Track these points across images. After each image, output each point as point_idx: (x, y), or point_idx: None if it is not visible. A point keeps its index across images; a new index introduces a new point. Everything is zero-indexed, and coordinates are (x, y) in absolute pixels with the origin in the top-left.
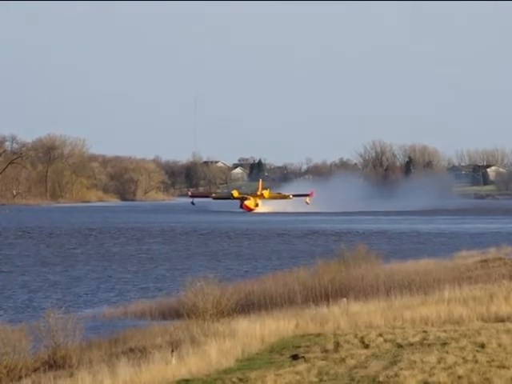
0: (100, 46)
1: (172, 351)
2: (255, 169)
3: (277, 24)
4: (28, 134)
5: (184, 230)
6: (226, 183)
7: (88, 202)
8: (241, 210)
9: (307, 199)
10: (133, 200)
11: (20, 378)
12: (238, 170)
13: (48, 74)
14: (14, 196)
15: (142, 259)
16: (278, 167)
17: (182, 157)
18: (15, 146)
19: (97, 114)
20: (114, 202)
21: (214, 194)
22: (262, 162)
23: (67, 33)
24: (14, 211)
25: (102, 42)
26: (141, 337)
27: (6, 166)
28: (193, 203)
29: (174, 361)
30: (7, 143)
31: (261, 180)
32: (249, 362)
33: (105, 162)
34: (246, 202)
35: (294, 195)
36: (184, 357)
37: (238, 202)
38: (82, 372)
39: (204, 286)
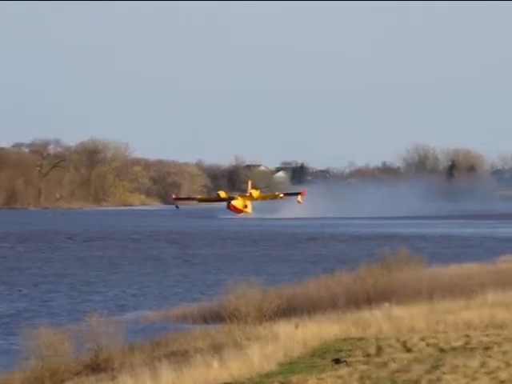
0: (143, 49)
1: (212, 356)
2: (297, 172)
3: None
4: (71, 137)
5: (223, 235)
6: (269, 187)
7: (131, 205)
8: (229, 211)
9: (299, 198)
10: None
11: (63, 380)
12: (281, 174)
13: (92, 78)
14: (57, 199)
15: (184, 263)
16: (321, 171)
17: (225, 160)
18: (59, 149)
19: (140, 118)
20: (156, 205)
21: (199, 196)
22: (305, 165)
23: (113, 35)
24: (57, 215)
25: (143, 44)
26: (183, 340)
27: (50, 170)
28: (177, 207)
29: (215, 364)
30: (51, 147)
31: (249, 180)
32: (291, 366)
33: (147, 165)
34: (234, 203)
35: (285, 194)
36: (226, 360)
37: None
38: (123, 375)
39: (246, 289)
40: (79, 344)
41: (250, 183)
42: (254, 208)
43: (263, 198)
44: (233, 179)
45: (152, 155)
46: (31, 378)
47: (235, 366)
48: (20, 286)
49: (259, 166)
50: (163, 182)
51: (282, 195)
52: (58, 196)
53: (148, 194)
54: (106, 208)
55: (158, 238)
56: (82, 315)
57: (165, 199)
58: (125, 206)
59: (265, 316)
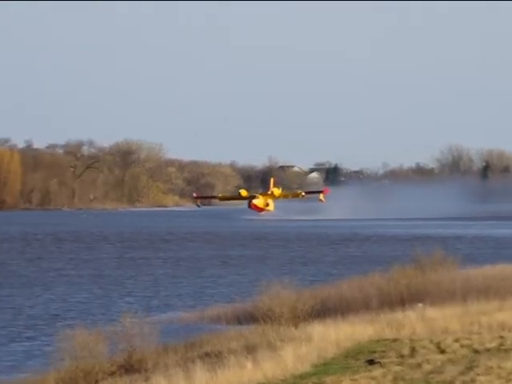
0: (186, 52)
1: (246, 356)
2: (331, 173)
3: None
4: (105, 138)
5: (257, 235)
6: (302, 188)
7: (164, 206)
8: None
9: (321, 196)
10: (209, 205)
11: (96, 381)
12: (314, 175)
13: (129, 79)
14: (91, 200)
15: (218, 264)
16: (355, 172)
17: (259, 161)
18: (92, 150)
19: (174, 119)
20: (190, 206)
21: (220, 195)
22: (338, 166)
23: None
24: (91, 216)
25: (181, 46)
26: (216, 341)
27: (84, 171)
28: (198, 205)
29: (249, 365)
30: (84, 148)
31: (272, 178)
32: (324, 367)
33: (181, 166)
34: (255, 201)
35: (306, 192)
36: (259, 361)
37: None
38: (157, 376)
39: (280, 290)
40: (113, 345)
41: (272, 181)
42: (289, 209)
43: (285, 197)
44: (266, 180)
45: (186, 156)
46: (65, 379)
47: (269, 367)
48: (55, 287)
49: (293, 166)
50: (197, 182)
51: (303, 194)
52: (91, 197)
53: (182, 195)
54: (139, 209)
55: (191, 239)
56: (116, 316)
57: (200, 201)
58: (158, 207)
59: (299, 317)
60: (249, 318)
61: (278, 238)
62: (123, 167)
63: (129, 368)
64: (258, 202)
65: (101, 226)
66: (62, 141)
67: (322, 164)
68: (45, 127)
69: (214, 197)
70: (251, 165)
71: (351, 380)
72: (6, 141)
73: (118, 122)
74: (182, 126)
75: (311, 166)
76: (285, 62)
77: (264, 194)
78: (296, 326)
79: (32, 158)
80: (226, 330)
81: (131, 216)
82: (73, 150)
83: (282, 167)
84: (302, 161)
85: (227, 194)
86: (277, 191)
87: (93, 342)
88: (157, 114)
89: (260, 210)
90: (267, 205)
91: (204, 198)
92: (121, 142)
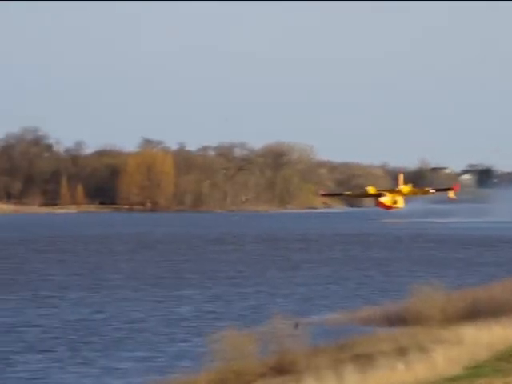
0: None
1: (397, 358)
2: (484, 175)
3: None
4: (257, 140)
5: (404, 236)
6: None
7: (314, 208)
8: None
9: (451, 194)
10: (360, 206)
11: (248, 382)
12: (467, 177)
13: (281, 81)
14: (243, 202)
15: (367, 265)
16: (508, 173)
17: (410, 163)
18: (244, 152)
19: (325, 120)
20: (340, 208)
21: (347, 192)
22: (491, 168)
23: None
24: (243, 217)
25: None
26: (367, 343)
27: (236, 173)
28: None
29: (400, 367)
30: (236, 150)
31: (401, 174)
32: (476, 370)
33: (332, 168)
34: (382, 199)
35: (436, 190)
36: (410, 363)
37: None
38: (308, 378)
39: (430, 292)
40: (264, 346)
41: (401, 178)
42: (459, 211)
43: (413, 194)
44: (417, 182)
45: (337, 158)
46: (216, 380)
47: (420, 369)
48: (205, 288)
49: (444, 168)
50: (348, 184)
51: (432, 191)
52: (243, 199)
53: (332, 197)
54: (290, 211)
55: (339, 240)
56: (267, 317)
57: (349, 202)
58: (309, 208)
59: (449, 319)
60: (399, 320)
61: (428, 240)
62: (275, 169)
63: (280, 369)
64: (386, 199)
65: (253, 227)
66: (214, 143)
67: (475, 166)
68: (197, 130)
69: (342, 194)
70: (403, 166)
71: (503, 383)
72: (160, 143)
73: (269, 124)
74: (333, 127)
75: (463, 168)
76: (436, 65)
77: (392, 191)
78: (447, 327)
79: (184, 160)
80: (377, 331)
81: (282, 217)
82: (225, 152)
83: (433, 169)
84: (454, 162)
85: (355, 193)
86: (405, 188)
87: (244, 343)
88: (308, 115)
89: (388, 207)
90: (395, 202)
91: (331, 196)
92: (272, 143)
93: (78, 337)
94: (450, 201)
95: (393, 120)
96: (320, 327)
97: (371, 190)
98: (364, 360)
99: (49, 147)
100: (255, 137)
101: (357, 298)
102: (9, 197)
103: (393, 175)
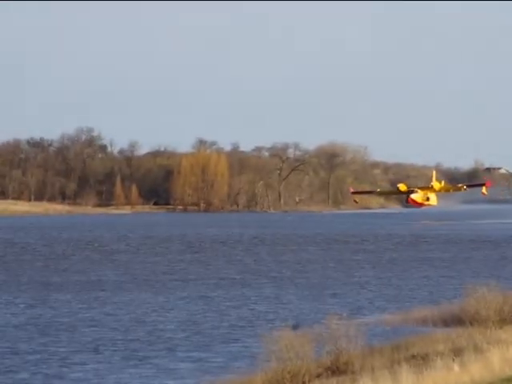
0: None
1: (453, 359)
2: None
3: None
4: (311, 140)
5: (458, 237)
6: (508, 190)
7: (369, 208)
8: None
9: (484, 189)
10: (413, 207)
11: (303, 383)
12: None
13: (335, 80)
14: (297, 203)
15: (421, 265)
16: None
17: (465, 163)
18: (298, 153)
19: (379, 121)
20: (395, 208)
21: (378, 190)
22: None
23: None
24: (297, 218)
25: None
26: (422, 343)
27: (289, 173)
28: (356, 201)
29: (456, 368)
30: (290, 150)
31: (434, 171)
32: None
33: (386, 168)
34: (413, 196)
35: (468, 186)
36: (466, 364)
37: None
38: (364, 378)
39: (486, 293)
40: (319, 346)
41: (434, 174)
42: None
43: (446, 190)
44: (472, 182)
45: (390, 158)
46: (272, 380)
47: (476, 370)
48: (261, 288)
49: (499, 168)
50: None
51: (465, 187)
52: (297, 199)
53: (387, 197)
54: (344, 211)
55: (393, 240)
56: (321, 317)
57: (404, 202)
58: (363, 209)
59: (505, 320)
60: (455, 321)
61: (481, 240)
62: (328, 169)
63: (335, 370)
64: (417, 196)
65: (306, 228)
66: (268, 143)
67: None
68: (251, 130)
69: (372, 192)
70: (457, 167)
71: None
72: (214, 144)
73: (323, 125)
74: (387, 127)
75: None
76: (492, 66)
77: (424, 188)
78: (503, 328)
79: (238, 161)
80: (433, 332)
81: (336, 218)
82: (278, 153)
83: (488, 169)
84: (509, 163)
85: (386, 190)
86: (437, 185)
87: (299, 344)
88: (362, 115)
89: (419, 204)
90: (428, 199)
91: (361, 193)
92: (326, 144)
93: (133, 337)
94: (484, 196)
95: (447, 120)
96: (376, 327)
97: (402, 187)
98: (419, 360)
99: (103, 148)
100: (309, 137)
101: (412, 299)
102: (63, 197)
103: (447, 175)
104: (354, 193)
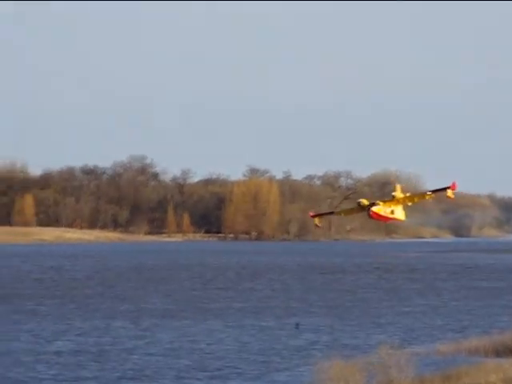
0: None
1: None
2: None
3: None
4: (363, 169)
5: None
6: None
7: (422, 237)
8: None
9: (449, 193)
10: (466, 236)
11: None
12: None
13: (386, 110)
14: (348, 231)
15: (469, 294)
16: None
17: None
18: (350, 181)
19: (431, 150)
20: (447, 238)
21: (338, 210)
22: None
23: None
24: (347, 246)
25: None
26: (473, 373)
27: (341, 202)
28: (317, 226)
29: None
30: (342, 179)
31: (398, 185)
32: None
33: (439, 197)
34: (374, 209)
35: (432, 191)
36: None
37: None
38: None
39: None
40: (370, 376)
41: (398, 187)
42: None
43: (410, 201)
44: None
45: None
46: None
47: None
48: (310, 316)
49: None
50: (454, 213)
51: (429, 193)
52: (348, 228)
53: (439, 226)
54: (396, 240)
55: (439, 270)
56: (372, 347)
57: (456, 231)
58: (416, 238)
59: None
60: (507, 351)
61: None
62: (381, 198)
63: None
64: (378, 209)
65: (357, 255)
66: (320, 172)
67: None
68: (303, 158)
69: (332, 212)
70: (511, 196)
71: None
72: (266, 172)
73: (375, 153)
74: (440, 156)
75: None
76: None
77: (386, 200)
78: None
79: (290, 189)
80: (484, 362)
81: (387, 246)
82: (330, 181)
83: None
84: None
85: (346, 208)
86: (398, 194)
87: (350, 373)
88: (415, 143)
89: (384, 219)
90: (392, 212)
91: (320, 216)
92: (378, 172)
93: (180, 365)
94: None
95: (500, 150)
96: (426, 357)
97: (363, 201)
98: None
99: (155, 176)
100: (361, 165)
101: (462, 329)
102: (115, 225)
103: (500, 204)
104: (313, 216)
